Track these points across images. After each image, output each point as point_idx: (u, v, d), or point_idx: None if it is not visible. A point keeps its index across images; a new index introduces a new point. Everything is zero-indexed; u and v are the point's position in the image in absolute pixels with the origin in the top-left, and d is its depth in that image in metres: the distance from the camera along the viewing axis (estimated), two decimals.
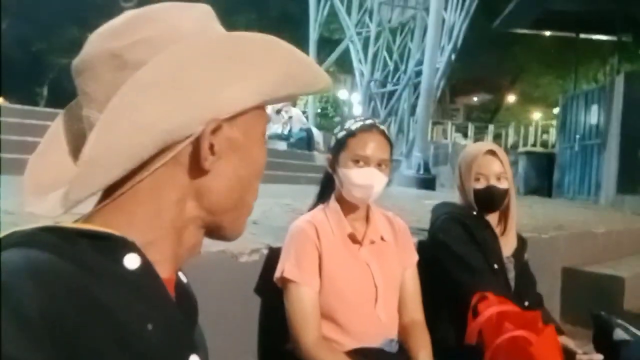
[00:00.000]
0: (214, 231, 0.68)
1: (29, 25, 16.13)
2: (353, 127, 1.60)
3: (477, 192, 1.95)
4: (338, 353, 1.50)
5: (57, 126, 0.68)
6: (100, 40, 0.61)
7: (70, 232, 0.56)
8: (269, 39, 0.62)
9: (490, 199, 1.96)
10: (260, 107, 0.65)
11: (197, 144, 0.59)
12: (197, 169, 0.61)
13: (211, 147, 0.60)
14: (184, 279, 0.71)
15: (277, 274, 1.58)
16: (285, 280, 1.56)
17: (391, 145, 1.64)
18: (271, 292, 1.62)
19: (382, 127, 1.63)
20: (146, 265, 0.58)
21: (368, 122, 1.63)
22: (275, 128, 9.61)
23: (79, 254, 0.54)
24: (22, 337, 0.44)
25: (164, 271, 0.61)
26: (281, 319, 1.58)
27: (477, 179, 1.95)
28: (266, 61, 0.61)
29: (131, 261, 0.57)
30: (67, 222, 0.57)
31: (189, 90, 0.57)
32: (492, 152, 1.97)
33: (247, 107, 0.61)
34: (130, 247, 0.58)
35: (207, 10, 0.66)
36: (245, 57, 0.60)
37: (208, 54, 0.59)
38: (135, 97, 0.56)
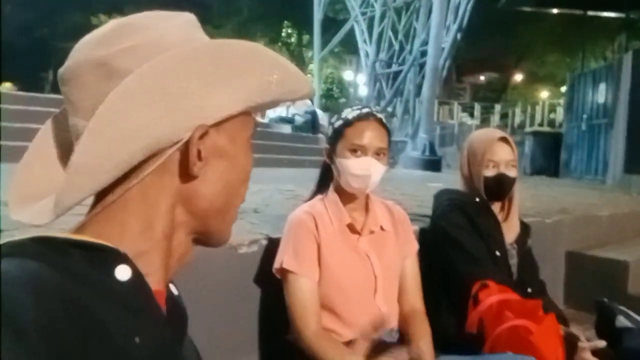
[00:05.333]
0: (201, 237, 0.68)
1: (32, 11, 16.10)
2: (350, 116, 1.58)
3: (487, 180, 1.93)
4: (338, 344, 1.50)
5: (42, 136, 0.69)
6: (86, 48, 0.61)
7: (62, 243, 0.56)
8: (254, 46, 0.63)
9: (500, 187, 1.95)
10: (247, 113, 0.65)
11: (184, 150, 0.60)
12: (185, 175, 0.61)
13: (198, 153, 0.60)
14: (175, 291, 0.71)
15: (276, 265, 1.57)
16: (284, 271, 1.55)
17: (389, 133, 1.62)
18: (271, 283, 1.62)
19: (379, 115, 1.60)
20: (137, 277, 0.58)
21: (365, 110, 1.60)
22: (279, 111, 9.58)
23: (71, 264, 0.54)
24: (18, 348, 0.44)
25: (155, 283, 0.61)
26: (281, 310, 1.59)
27: (487, 166, 1.93)
28: (251, 68, 0.62)
29: (122, 273, 0.57)
30: (59, 232, 0.57)
31: (176, 97, 0.58)
32: (504, 140, 1.96)
33: (233, 113, 0.61)
34: (122, 258, 0.58)
35: (191, 19, 0.67)
36: (231, 64, 0.61)
37: (194, 61, 0.59)
38: (123, 105, 0.56)
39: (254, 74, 0.62)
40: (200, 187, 0.63)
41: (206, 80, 0.59)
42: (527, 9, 13.56)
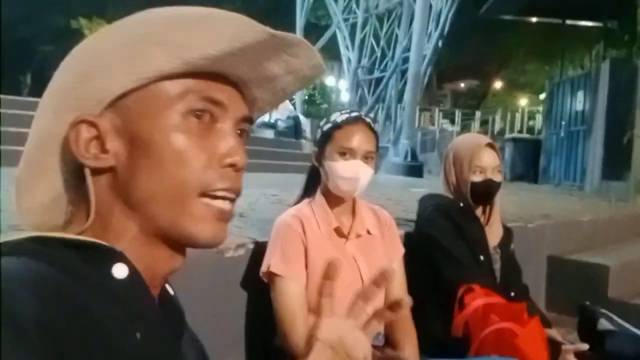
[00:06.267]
0: (172, 237, 0.61)
1: (10, 13, 15.87)
2: (339, 120, 1.59)
3: (474, 185, 1.95)
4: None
5: None
6: None
7: (59, 242, 0.56)
8: (133, 20, 0.61)
9: (487, 192, 1.97)
10: (147, 86, 0.58)
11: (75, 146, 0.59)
12: (111, 177, 0.60)
13: (102, 145, 0.59)
14: (171, 291, 0.71)
15: (263, 269, 1.57)
16: (271, 275, 1.55)
17: (377, 137, 1.63)
18: (258, 287, 1.61)
19: (367, 119, 1.62)
20: (134, 275, 0.58)
21: (354, 114, 1.62)
22: (262, 116, 9.56)
23: (69, 263, 0.54)
24: (18, 346, 0.44)
25: (150, 281, 0.62)
26: (268, 315, 1.58)
27: (475, 172, 1.95)
28: (112, 48, 0.59)
29: (119, 271, 0.57)
30: (55, 232, 0.58)
31: (55, 97, 0.60)
32: (490, 145, 1.98)
33: (116, 94, 0.58)
34: (119, 257, 0.58)
35: None
36: (107, 51, 0.59)
37: (72, 57, 0.61)
38: (39, 109, 0.62)
39: (125, 48, 0.58)
40: (129, 180, 0.59)
41: (82, 71, 0.59)
42: (507, 17, 13.74)
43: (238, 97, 0.64)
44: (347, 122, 1.58)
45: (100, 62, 0.59)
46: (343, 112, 1.64)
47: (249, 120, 0.66)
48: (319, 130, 1.64)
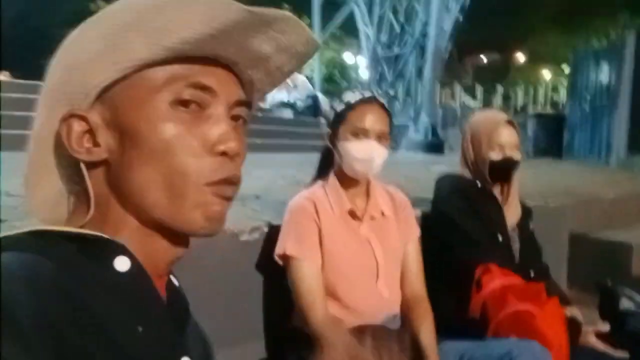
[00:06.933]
0: (170, 227, 0.60)
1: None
2: (352, 100, 1.58)
3: (493, 163, 1.91)
4: (346, 332, 1.49)
5: None
6: None
7: (60, 236, 0.56)
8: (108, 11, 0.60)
9: (506, 170, 1.94)
10: (131, 76, 0.57)
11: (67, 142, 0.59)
12: (106, 169, 0.60)
13: (94, 138, 0.58)
14: (175, 282, 0.70)
15: (278, 251, 1.57)
16: (287, 258, 1.55)
17: (390, 117, 1.62)
18: (273, 270, 1.62)
19: (381, 99, 1.60)
20: (137, 268, 0.58)
21: (367, 94, 1.60)
22: (280, 96, 9.53)
23: (70, 257, 0.54)
24: (15, 342, 0.44)
25: (155, 273, 0.61)
26: (284, 298, 1.58)
27: (494, 149, 1.91)
28: (92, 40, 0.58)
29: (121, 263, 0.57)
30: (56, 226, 0.58)
31: (47, 93, 0.60)
32: (510, 122, 1.95)
33: (101, 86, 0.57)
34: (120, 249, 0.58)
35: None
36: (79, 51, 0.59)
37: (63, 50, 0.61)
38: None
39: (105, 38, 0.57)
40: (123, 172, 0.58)
41: (68, 64, 0.58)
42: None
43: (231, 80, 0.62)
44: (361, 103, 1.56)
45: (83, 54, 0.57)
46: (356, 91, 1.62)
47: (246, 104, 0.64)
48: (332, 111, 1.63)
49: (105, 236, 0.57)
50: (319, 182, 1.67)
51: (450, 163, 2.15)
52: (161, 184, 0.57)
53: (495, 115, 2.04)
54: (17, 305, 0.46)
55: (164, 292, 0.64)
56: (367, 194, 1.66)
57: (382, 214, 1.66)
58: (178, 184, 0.57)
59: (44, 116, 0.60)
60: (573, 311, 1.83)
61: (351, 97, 1.60)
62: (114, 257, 0.57)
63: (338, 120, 1.59)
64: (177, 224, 0.59)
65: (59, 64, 0.60)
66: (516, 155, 1.93)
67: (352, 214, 1.61)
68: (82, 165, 0.59)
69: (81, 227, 0.58)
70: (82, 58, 0.57)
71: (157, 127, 0.57)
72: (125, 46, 0.56)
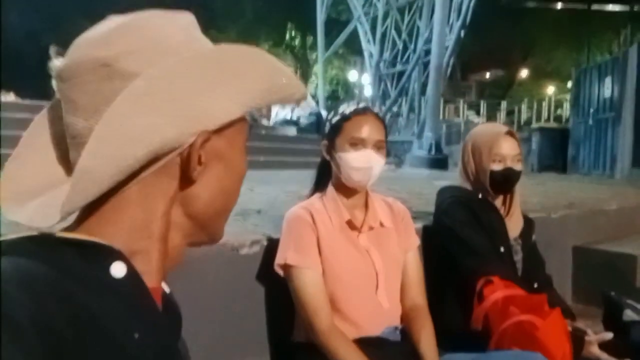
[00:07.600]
0: (195, 239, 0.68)
1: (38, 18, 16.19)
2: (347, 111, 1.60)
3: (494, 174, 1.91)
4: (350, 341, 1.49)
5: (34, 130, 0.68)
6: (88, 47, 0.60)
7: (57, 241, 0.56)
8: (254, 51, 0.64)
9: (507, 181, 1.94)
10: (242, 118, 0.65)
11: (185, 154, 0.61)
12: (184, 178, 0.62)
13: (199, 157, 0.61)
14: (166, 289, 0.71)
15: (279, 261, 1.56)
16: (288, 267, 1.54)
17: (385, 127, 1.63)
18: (274, 283, 1.61)
19: (375, 110, 1.62)
20: (133, 274, 0.58)
21: (361, 105, 1.62)
22: (284, 114, 9.58)
23: (66, 262, 0.54)
24: (14, 346, 0.44)
25: (150, 281, 0.62)
26: (286, 310, 1.58)
27: (494, 161, 1.91)
28: (252, 73, 0.62)
29: (118, 269, 0.57)
30: (53, 231, 0.58)
31: (181, 103, 0.58)
32: (510, 134, 1.95)
33: (233, 118, 0.62)
34: (117, 255, 0.58)
35: (191, 20, 0.67)
36: (234, 70, 0.61)
37: (199, 67, 0.60)
38: (130, 110, 0.57)
39: (255, 79, 0.62)
40: (199, 191, 0.64)
41: (210, 86, 0.60)
42: (531, 4, 13.52)
43: None
44: (356, 113, 1.58)
45: (230, 81, 0.62)
46: (350, 103, 1.64)
47: None
48: (328, 123, 1.64)
49: (102, 242, 0.58)
50: (317, 194, 1.67)
51: (454, 179, 2.16)
52: (226, 199, 0.69)
53: (495, 127, 2.05)
54: (16, 309, 0.46)
55: (159, 299, 0.65)
56: (366, 204, 1.66)
57: (381, 224, 1.66)
58: (231, 204, 0.70)
59: (155, 122, 0.60)
60: (576, 323, 1.82)
61: (346, 108, 1.61)
62: (110, 263, 0.57)
63: (334, 131, 1.60)
64: (212, 235, 0.70)
65: (203, 81, 0.62)
66: (517, 166, 1.93)
67: (351, 225, 1.61)
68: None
69: (79, 229, 0.59)
70: (244, 88, 0.63)
71: (245, 160, 0.70)
72: (270, 92, 0.64)
